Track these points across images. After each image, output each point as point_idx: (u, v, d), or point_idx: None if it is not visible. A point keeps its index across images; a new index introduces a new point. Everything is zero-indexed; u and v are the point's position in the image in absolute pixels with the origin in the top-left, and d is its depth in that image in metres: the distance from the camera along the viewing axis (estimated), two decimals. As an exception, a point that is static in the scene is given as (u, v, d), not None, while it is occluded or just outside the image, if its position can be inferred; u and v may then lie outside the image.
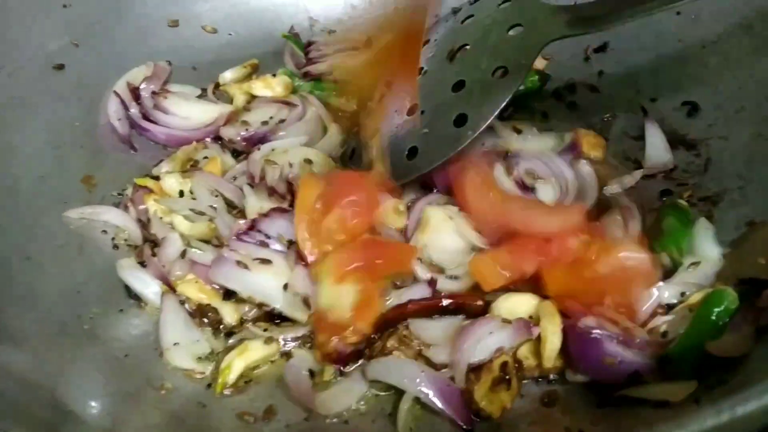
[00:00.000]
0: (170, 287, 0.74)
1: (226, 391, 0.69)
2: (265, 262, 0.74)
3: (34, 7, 0.89)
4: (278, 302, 0.72)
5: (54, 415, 0.54)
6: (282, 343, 0.72)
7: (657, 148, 0.86)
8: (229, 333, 0.74)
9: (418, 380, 0.64)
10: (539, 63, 0.98)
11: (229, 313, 0.74)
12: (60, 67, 0.91)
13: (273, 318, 0.74)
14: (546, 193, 0.81)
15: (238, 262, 0.73)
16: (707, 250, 0.73)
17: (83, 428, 0.55)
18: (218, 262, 0.73)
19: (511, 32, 0.79)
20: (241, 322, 0.74)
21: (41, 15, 0.90)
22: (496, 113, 0.76)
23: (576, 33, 0.80)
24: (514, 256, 0.70)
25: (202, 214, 0.80)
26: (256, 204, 0.80)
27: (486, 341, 0.67)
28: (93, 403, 0.61)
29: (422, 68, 0.88)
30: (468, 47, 0.83)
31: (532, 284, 0.71)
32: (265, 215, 0.77)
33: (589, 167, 0.81)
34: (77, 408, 0.58)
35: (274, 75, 1.00)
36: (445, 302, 0.71)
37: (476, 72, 0.80)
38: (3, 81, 0.84)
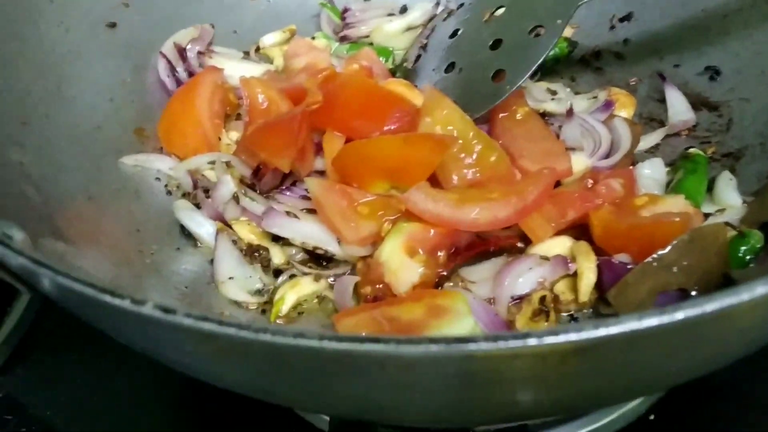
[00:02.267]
0: (226, 224, 0.79)
1: (279, 321, 0.73)
2: (312, 211, 0.78)
3: (89, -33, 0.94)
4: (331, 245, 0.76)
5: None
6: (330, 280, 0.76)
7: (678, 107, 0.91)
8: (277, 272, 0.79)
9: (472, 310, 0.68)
10: (567, 31, 1.02)
11: (277, 254, 0.79)
12: (112, 25, 0.95)
13: (318, 259, 0.79)
14: (579, 161, 0.84)
15: (288, 213, 0.78)
16: (731, 199, 0.77)
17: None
18: (270, 214, 0.77)
19: (546, -8, 0.84)
20: (288, 262, 0.79)
21: (95, -25, 0.94)
22: (534, 68, 0.81)
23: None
24: (559, 207, 0.74)
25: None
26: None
27: (526, 276, 0.71)
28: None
29: (456, 30, 0.93)
30: (503, 9, 0.88)
31: (576, 229, 0.75)
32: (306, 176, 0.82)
33: (624, 123, 0.85)
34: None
35: (312, 38, 1.05)
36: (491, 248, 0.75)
37: (513, 31, 0.85)
38: (61, 36, 0.88)
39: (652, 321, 0.36)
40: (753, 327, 0.43)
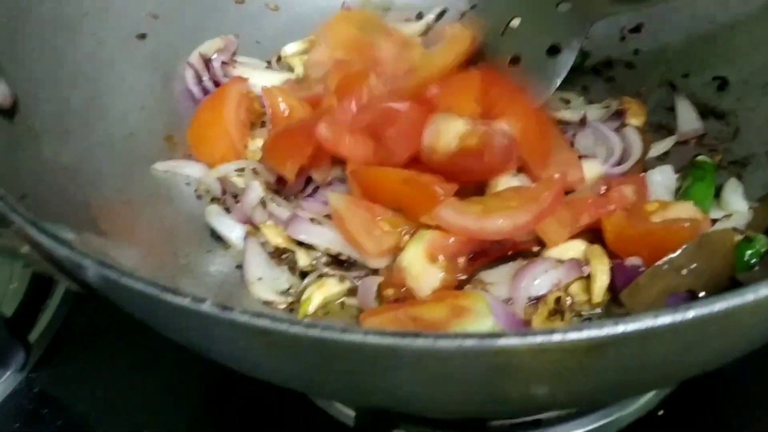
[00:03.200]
0: (255, 227, 0.83)
1: (306, 319, 0.77)
2: (335, 216, 0.82)
3: (118, -21, 0.98)
4: (354, 251, 0.79)
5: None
6: (355, 281, 0.80)
7: (687, 116, 0.94)
8: (303, 274, 0.82)
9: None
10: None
11: (302, 258, 0.82)
12: (142, 36, 0.99)
13: (341, 263, 0.82)
14: (591, 168, 0.87)
15: (312, 219, 0.82)
16: (737, 204, 0.81)
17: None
18: (295, 221, 0.81)
19: (561, 7, 0.88)
20: (313, 264, 0.83)
21: (126, -12, 0.99)
22: (552, 90, 0.85)
23: (620, 11, 0.88)
24: (573, 213, 0.77)
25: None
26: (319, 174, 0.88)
27: (542, 278, 0.75)
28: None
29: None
30: (518, 20, 0.91)
31: (590, 233, 0.78)
32: (329, 183, 0.86)
33: (635, 131, 0.89)
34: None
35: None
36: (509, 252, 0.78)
37: (531, 47, 0.89)
38: (95, 47, 0.92)
39: (666, 319, 0.39)
40: (757, 325, 0.46)
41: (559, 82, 0.85)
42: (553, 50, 0.88)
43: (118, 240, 0.74)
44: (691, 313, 0.40)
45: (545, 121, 0.82)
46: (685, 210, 0.75)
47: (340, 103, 0.84)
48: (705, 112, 0.95)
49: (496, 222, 0.75)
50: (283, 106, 0.91)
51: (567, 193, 0.83)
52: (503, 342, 0.39)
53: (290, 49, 1.09)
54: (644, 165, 0.89)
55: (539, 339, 0.39)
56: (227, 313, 0.41)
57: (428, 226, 0.76)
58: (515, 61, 0.89)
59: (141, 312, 0.53)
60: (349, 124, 0.80)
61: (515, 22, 0.93)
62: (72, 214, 0.71)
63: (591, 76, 1.05)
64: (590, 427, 0.77)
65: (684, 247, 0.69)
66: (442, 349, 0.40)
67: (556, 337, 0.39)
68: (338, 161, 0.87)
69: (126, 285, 0.46)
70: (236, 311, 0.41)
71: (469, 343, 0.39)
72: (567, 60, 0.85)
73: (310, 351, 0.43)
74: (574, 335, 0.39)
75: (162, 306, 0.45)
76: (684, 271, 0.68)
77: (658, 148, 0.92)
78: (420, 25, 1.10)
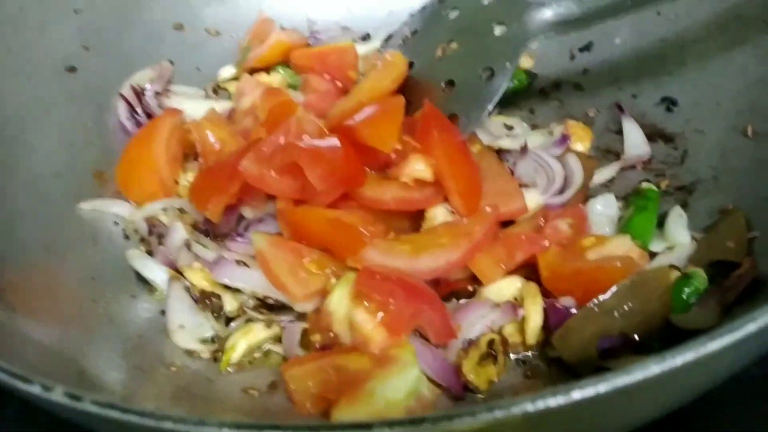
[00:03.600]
0: (178, 272, 0.79)
1: (230, 369, 0.74)
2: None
3: (48, 13, 0.94)
4: (281, 294, 0.76)
5: (78, 382, 0.58)
6: (282, 325, 0.77)
7: (634, 140, 0.91)
8: (229, 319, 0.79)
9: (419, 355, 0.68)
10: (527, 62, 1.03)
11: (229, 301, 0.79)
12: (72, 69, 0.96)
13: (270, 306, 0.79)
14: (531, 198, 0.83)
15: (238, 262, 0.78)
16: (680, 236, 0.77)
17: (104, 395, 0.60)
18: (220, 264, 0.78)
19: (496, 31, 0.85)
20: (241, 309, 0.79)
21: (54, 20, 0.95)
22: (485, 115, 0.82)
23: (559, 32, 0.85)
24: (508, 249, 0.75)
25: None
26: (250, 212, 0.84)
27: (478, 323, 0.72)
28: (112, 375, 0.66)
29: (411, 62, 0.94)
30: (455, 44, 0.89)
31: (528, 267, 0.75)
32: (259, 220, 0.83)
33: (576, 159, 0.86)
34: (98, 378, 0.63)
35: (268, 72, 1.05)
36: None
37: (465, 72, 0.86)
38: (21, 83, 0.89)
39: (588, 391, 0.36)
40: (661, 393, 0.43)
41: (490, 107, 0.82)
42: (490, 75, 0.85)
43: (29, 305, 0.69)
44: (576, 395, 0.37)
45: (467, 154, 0.79)
46: (622, 246, 0.72)
47: (268, 136, 0.80)
48: (653, 134, 0.92)
49: (427, 261, 0.72)
50: (212, 139, 0.88)
51: (507, 224, 0.81)
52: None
53: (225, 73, 1.06)
54: (587, 192, 0.86)
55: (467, 420, 0.36)
56: (77, 403, 0.38)
57: (356, 268, 0.73)
58: (450, 85, 0.86)
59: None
60: (274, 161, 0.77)
61: (453, 47, 0.90)
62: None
63: (538, 98, 1.03)
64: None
65: (615, 288, 0.66)
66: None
67: (484, 416, 0.36)
68: (270, 197, 0.83)
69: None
70: (86, 400, 0.38)
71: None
72: (499, 84, 0.82)
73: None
74: (499, 413, 0.36)
75: (18, 391, 0.41)
76: (616, 313, 0.65)
77: (604, 173, 0.89)
78: (367, 48, 1.07)
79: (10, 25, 0.90)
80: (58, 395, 0.39)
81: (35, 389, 0.39)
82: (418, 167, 0.77)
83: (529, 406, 0.36)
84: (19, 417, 0.75)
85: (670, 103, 0.94)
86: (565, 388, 0.37)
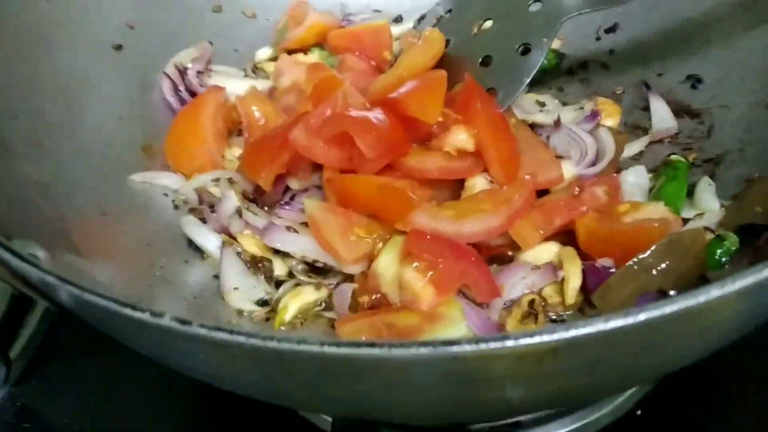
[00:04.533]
0: (231, 237, 0.83)
1: (282, 329, 0.77)
2: (309, 224, 0.82)
3: (94, -8, 0.98)
4: (329, 258, 0.79)
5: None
6: (330, 287, 0.80)
7: (661, 115, 0.95)
8: (279, 283, 0.82)
9: (465, 313, 0.72)
10: (555, 42, 1.06)
11: (279, 266, 0.83)
12: (118, 47, 0.99)
13: (317, 270, 0.83)
14: (566, 169, 0.86)
15: (288, 228, 0.82)
16: (709, 203, 0.81)
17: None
18: (270, 230, 0.81)
19: (532, 7, 0.88)
20: (290, 273, 0.83)
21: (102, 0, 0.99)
22: (523, 89, 0.85)
23: (592, 8, 0.89)
24: (546, 215, 0.78)
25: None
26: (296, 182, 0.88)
27: (519, 284, 0.76)
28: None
29: (448, 39, 0.97)
30: (489, 22, 0.92)
31: (564, 234, 0.79)
32: (305, 190, 0.87)
33: (608, 132, 0.89)
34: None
35: (305, 53, 1.09)
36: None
37: (501, 48, 0.89)
38: (69, 60, 0.92)
39: (617, 322, 0.40)
40: (713, 326, 0.47)
41: (527, 80, 0.85)
42: (525, 51, 0.89)
43: (93, 255, 0.74)
44: (642, 316, 0.40)
45: (507, 126, 0.83)
46: (656, 210, 0.76)
47: (315, 109, 0.84)
48: (679, 110, 0.96)
49: (470, 225, 0.76)
50: (257, 114, 0.91)
51: (543, 193, 0.84)
52: (457, 349, 0.39)
53: (262, 54, 1.10)
54: (618, 165, 0.89)
55: (492, 345, 0.39)
56: (186, 327, 0.42)
57: (403, 232, 0.77)
58: (486, 62, 0.89)
59: (107, 328, 0.54)
60: (323, 131, 0.80)
61: (487, 24, 0.93)
62: (45, 229, 0.72)
63: (567, 77, 1.06)
64: (569, 428, 0.77)
65: (654, 247, 0.69)
66: (398, 359, 0.40)
67: (510, 343, 0.40)
68: (316, 168, 0.87)
69: (89, 301, 0.46)
70: (195, 324, 0.41)
71: (424, 351, 0.40)
72: (536, 59, 0.86)
73: (269, 363, 0.43)
74: (526, 341, 0.40)
75: (123, 320, 0.45)
76: (654, 271, 0.69)
77: (633, 148, 0.93)
78: (401, 29, 1.11)
79: (61, 2, 0.93)
80: (167, 321, 0.42)
81: (145, 316, 0.43)
82: (460, 137, 0.80)
83: (601, 325, 0.40)
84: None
85: (695, 81, 0.97)
86: (630, 310, 0.41)
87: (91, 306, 0.46)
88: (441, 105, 0.80)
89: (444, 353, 0.39)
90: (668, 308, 0.40)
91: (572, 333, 0.39)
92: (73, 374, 0.90)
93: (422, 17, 1.07)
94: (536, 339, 0.39)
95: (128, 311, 0.44)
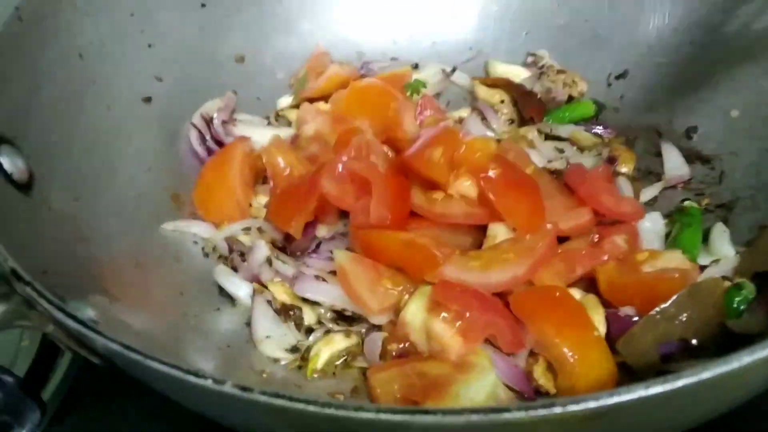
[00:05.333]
0: (262, 285, 0.86)
1: (315, 375, 0.80)
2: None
3: (126, 48, 1.01)
4: (357, 307, 0.82)
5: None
6: (362, 335, 0.83)
7: (674, 162, 0.98)
8: (309, 330, 0.85)
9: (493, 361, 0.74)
10: (582, 85, 1.10)
11: (308, 314, 0.85)
12: (148, 99, 1.03)
13: (345, 318, 0.85)
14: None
15: (317, 276, 0.85)
16: (725, 250, 0.84)
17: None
18: (301, 279, 0.85)
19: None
20: (319, 320, 0.85)
21: (131, 55, 1.02)
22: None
23: None
24: (568, 264, 0.81)
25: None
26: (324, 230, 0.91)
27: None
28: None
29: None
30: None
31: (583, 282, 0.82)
32: (331, 238, 0.90)
33: (627, 180, 0.93)
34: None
35: (326, 101, 1.13)
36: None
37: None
38: (103, 113, 0.96)
39: (657, 389, 0.43)
40: (742, 384, 0.49)
41: None
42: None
43: (131, 305, 0.76)
44: (680, 383, 0.43)
45: (519, 174, 0.86)
46: (675, 259, 0.79)
47: (337, 156, 0.87)
48: (691, 156, 0.99)
49: (496, 275, 0.79)
50: (282, 164, 0.95)
51: (562, 240, 0.87)
52: (508, 416, 0.42)
53: (284, 102, 1.14)
54: (636, 212, 0.92)
55: (541, 412, 0.42)
56: (247, 394, 0.44)
57: (429, 282, 0.79)
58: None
59: (163, 388, 0.56)
60: (346, 175, 0.83)
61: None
62: (87, 282, 0.74)
63: (580, 123, 1.10)
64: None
65: (675, 297, 0.72)
66: (449, 424, 0.43)
67: (557, 410, 0.42)
68: (343, 215, 0.90)
69: (151, 367, 0.48)
70: (256, 391, 0.44)
71: (476, 418, 0.42)
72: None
73: (326, 425, 0.46)
74: (573, 407, 0.42)
75: (184, 385, 0.48)
76: (676, 321, 0.72)
77: (647, 194, 0.96)
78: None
79: (93, 59, 0.97)
80: (228, 387, 0.45)
81: (208, 383, 0.45)
82: (465, 184, 0.83)
83: (642, 392, 0.42)
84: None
85: (705, 129, 1.01)
86: (669, 377, 0.43)
87: (154, 372, 0.49)
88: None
89: (496, 420, 0.42)
90: (705, 374, 0.43)
91: (615, 399, 0.42)
92: (103, 418, 0.91)
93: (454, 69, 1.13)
94: (582, 406, 0.42)
95: (192, 378, 0.46)
